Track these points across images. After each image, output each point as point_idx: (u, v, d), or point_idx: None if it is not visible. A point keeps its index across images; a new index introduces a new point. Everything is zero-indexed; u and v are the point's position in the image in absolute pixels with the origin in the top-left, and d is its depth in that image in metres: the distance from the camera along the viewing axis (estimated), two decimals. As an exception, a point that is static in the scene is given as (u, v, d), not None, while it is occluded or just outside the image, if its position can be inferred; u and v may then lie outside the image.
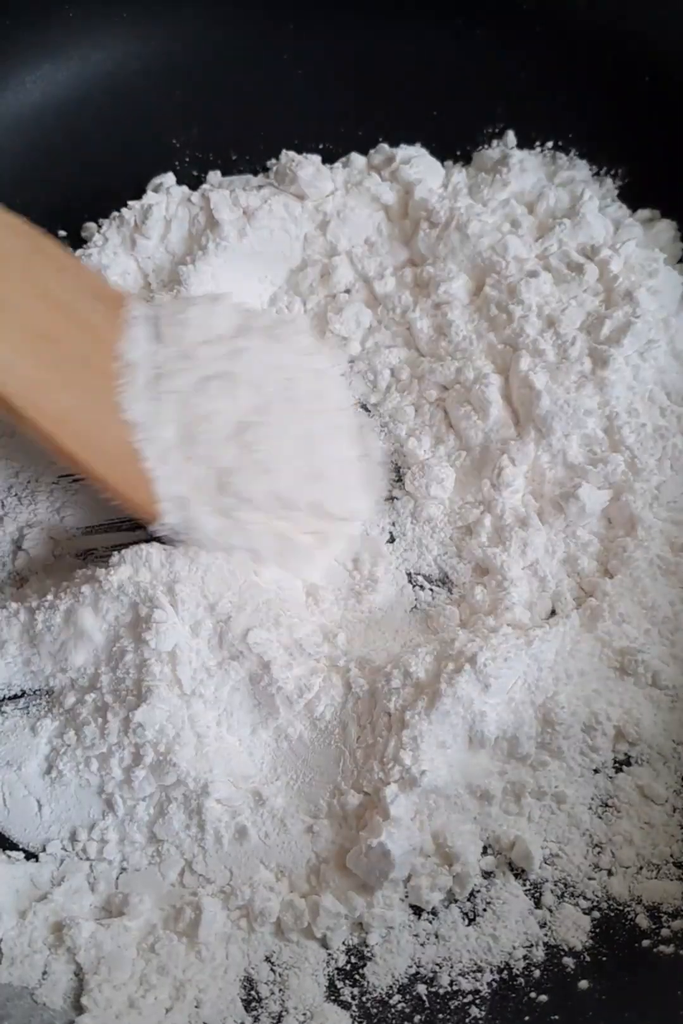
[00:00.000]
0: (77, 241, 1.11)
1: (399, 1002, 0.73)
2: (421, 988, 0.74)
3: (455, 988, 0.73)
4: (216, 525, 0.83)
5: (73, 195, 1.13)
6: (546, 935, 0.75)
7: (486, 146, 1.15)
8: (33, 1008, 0.73)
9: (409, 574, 0.91)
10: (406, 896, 0.76)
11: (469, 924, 0.75)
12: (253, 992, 0.74)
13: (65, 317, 0.84)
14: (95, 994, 0.73)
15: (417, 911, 0.76)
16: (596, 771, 0.80)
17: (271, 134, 1.16)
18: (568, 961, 0.73)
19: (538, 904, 0.75)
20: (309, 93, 1.16)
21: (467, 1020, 0.72)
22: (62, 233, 1.11)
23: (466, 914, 0.76)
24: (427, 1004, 0.73)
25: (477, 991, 0.73)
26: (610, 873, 0.76)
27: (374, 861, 0.74)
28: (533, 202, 1.06)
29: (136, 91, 1.15)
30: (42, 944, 0.76)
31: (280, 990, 0.74)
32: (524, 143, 1.14)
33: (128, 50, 1.15)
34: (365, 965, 0.75)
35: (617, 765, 0.81)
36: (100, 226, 1.09)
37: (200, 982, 0.74)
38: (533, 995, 0.72)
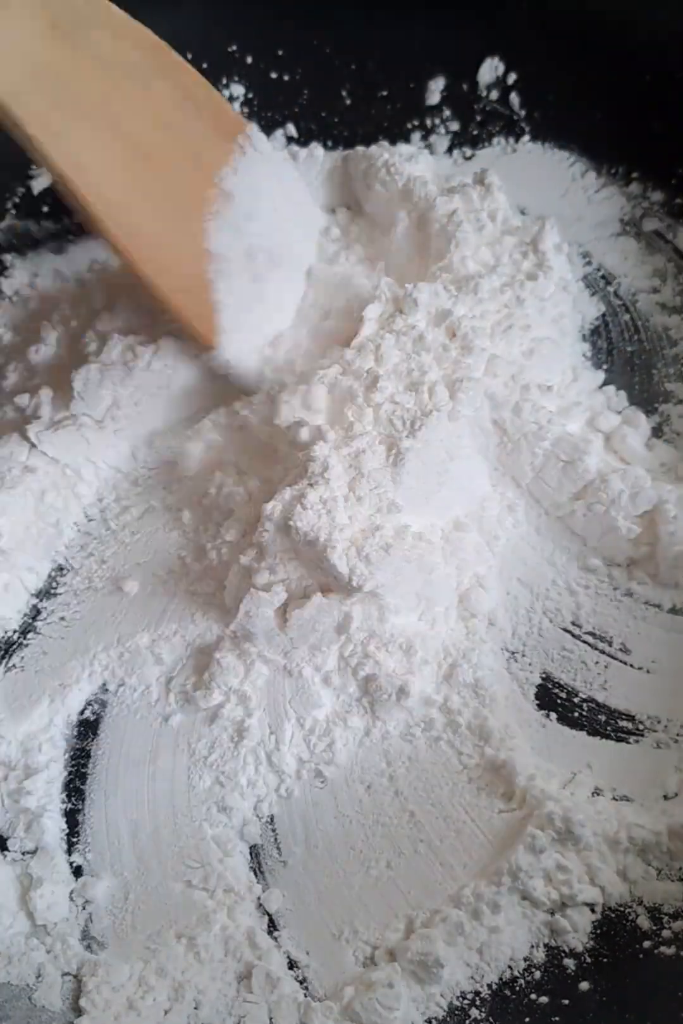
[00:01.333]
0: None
1: (398, 1003, 0.73)
2: (421, 989, 0.73)
3: (456, 989, 0.73)
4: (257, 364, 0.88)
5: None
6: (547, 936, 0.74)
7: (486, 144, 1.15)
8: (32, 1010, 0.73)
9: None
10: None
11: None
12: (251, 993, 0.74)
13: (172, 139, 0.86)
14: (93, 995, 0.73)
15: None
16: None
17: (269, 131, 1.16)
18: (569, 962, 0.73)
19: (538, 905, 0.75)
20: (309, 90, 1.16)
21: (467, 1021, 0.72)
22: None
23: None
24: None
25: (477, 992, 0.73)
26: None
27: None
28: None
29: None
30: (39, 943, 0.75)
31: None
32: (523, 140, 1.14)
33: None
34: (365, 965, 0.75)
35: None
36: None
37: (199, 983, 0.74)
38: (533, 996, 0.72)
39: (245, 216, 0.88)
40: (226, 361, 0.89)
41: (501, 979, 0.73)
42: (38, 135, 0.77)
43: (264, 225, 0.90)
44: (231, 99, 1.16)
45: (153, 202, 0.83)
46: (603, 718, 0.83)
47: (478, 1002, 0.72)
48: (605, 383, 0.98)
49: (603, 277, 1.07)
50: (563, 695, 0.85)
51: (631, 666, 0.85)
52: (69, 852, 0.80)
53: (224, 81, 1.16)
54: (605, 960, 0.73)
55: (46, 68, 0.78)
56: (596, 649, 0.86)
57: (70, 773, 0.83)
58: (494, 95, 1.15)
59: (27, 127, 0.76)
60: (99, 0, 0.87)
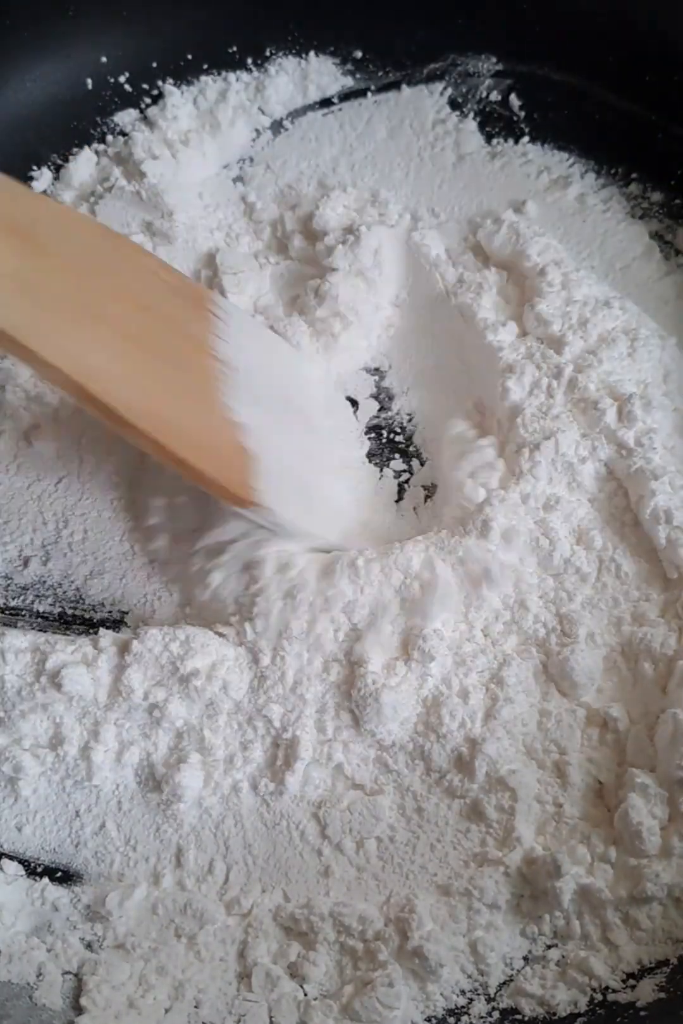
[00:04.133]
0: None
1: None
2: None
3: (455, 988, 0.73)
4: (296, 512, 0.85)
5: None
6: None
7: (486, 146, 1.15)
8: (32, 1009, 0.73)
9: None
10: None
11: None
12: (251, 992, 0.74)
13: (154, 318, 0.85)
14: (94, 994, 0.73)
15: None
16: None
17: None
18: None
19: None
20: (312, 86, 1.16)
21: (466, 1019, 0.72)
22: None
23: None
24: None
25: (476, 991, 0.73)
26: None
27: None
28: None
29: (136, 91, 1.16)
30: (40, 942, 0.76)
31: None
32: (523, 141, 1.14)
33: (128, 49, 1.15)
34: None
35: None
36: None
37: (199, 982, 0.74)
38: (533, 995, 0.72)
39: (248, 376, 0.87)
40: (264, 515, 0.84)
41: (501, 978, 0.73)
42: (36, 346, 0.74)
43: (268, 379, 0.90)
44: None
45: (163, 385, 0.81)
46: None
47: (477, 1001, 0.73)
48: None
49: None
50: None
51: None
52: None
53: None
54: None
55: (16, 275, 0.75)
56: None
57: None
58: (494, 96, 1.15)
59: (18, 335, 0.73)
60: (50, 201, 0.91)
